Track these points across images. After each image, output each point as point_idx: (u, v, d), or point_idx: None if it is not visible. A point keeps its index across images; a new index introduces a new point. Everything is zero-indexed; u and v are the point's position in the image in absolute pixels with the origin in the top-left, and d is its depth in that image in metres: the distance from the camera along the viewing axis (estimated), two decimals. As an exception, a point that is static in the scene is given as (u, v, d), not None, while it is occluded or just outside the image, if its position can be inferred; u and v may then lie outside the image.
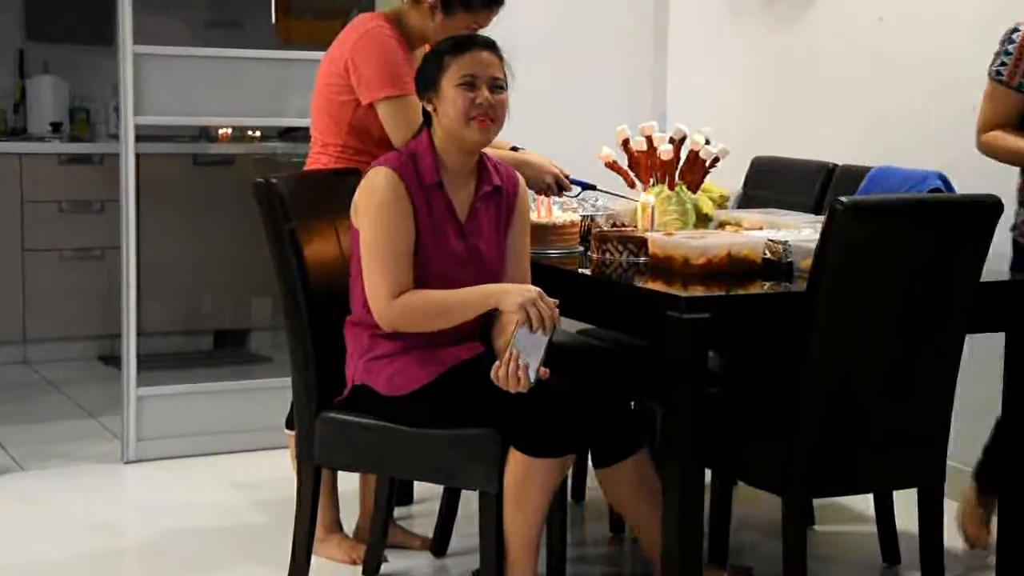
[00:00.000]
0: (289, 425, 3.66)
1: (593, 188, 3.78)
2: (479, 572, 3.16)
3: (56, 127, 6.42)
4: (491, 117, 3.10)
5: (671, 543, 2.99)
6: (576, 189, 3.74)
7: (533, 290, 2.94)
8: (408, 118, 3.41)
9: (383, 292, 3.05)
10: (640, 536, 3.27)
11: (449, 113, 3.10)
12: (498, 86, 3.12)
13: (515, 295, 2.94)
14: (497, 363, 2.90)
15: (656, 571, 3.23)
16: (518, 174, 3.31)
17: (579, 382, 3.08)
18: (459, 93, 3.08)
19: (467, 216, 3.17)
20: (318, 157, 3.63)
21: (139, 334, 4.66)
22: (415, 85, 3.22)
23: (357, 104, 3.52)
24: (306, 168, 3.68)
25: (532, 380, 2.86)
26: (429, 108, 3.16)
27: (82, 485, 4.44)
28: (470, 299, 3.04)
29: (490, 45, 3.16)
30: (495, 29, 3.37)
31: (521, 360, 2.86)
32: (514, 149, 3.66)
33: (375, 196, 3.09)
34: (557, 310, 2.93)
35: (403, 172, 3.10)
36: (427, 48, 3.57)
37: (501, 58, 3.15)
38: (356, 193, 3.15)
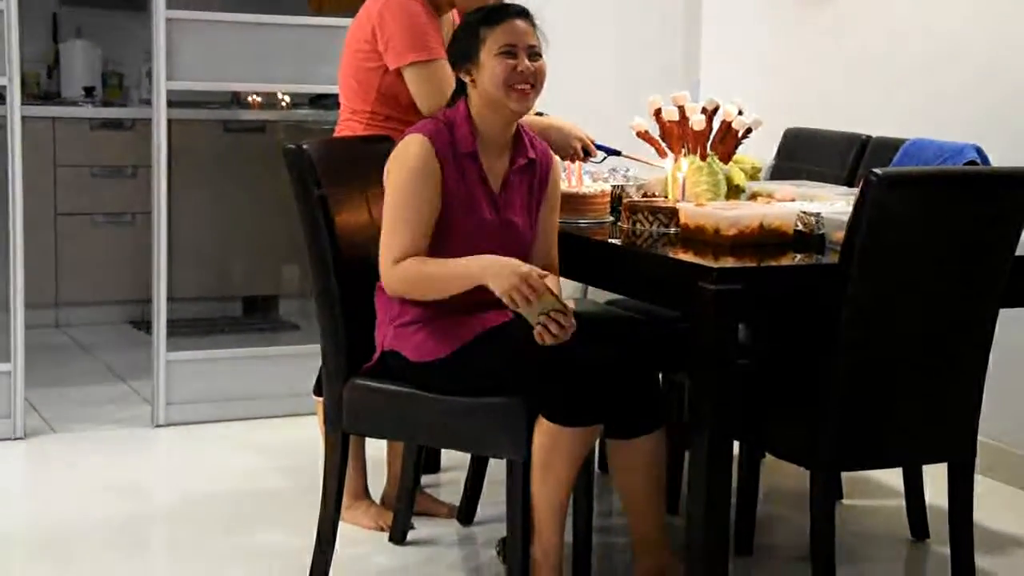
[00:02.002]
0: (317, 391, 3.66)
1: (618, 154, 3.77)
2: (506, 540, 3.16)
3: (89, 92, 6.43)
4: (532, 83, 3.12)
5: (697, 515, 2.98)
6: (601, 155, 3.73)
7: (517, 269, 2.93)
8: (435, 83, 3.40)
9: (389, 256, 3.07)
10: (633, 520, 3.22)
11: (490, 83, 3.10)
12: (536, 53, 3.14)
13: (500, 279, 2.93)
14: (536, 334, 2.94)
15: (633, 556, 3.23)
16: (552, 152, 3.32)
17: (607, 353, 3.07)
18: (500, 62, 3.09)
19: (500, 187, 3.17)
20: (347, 124, 3.63)
21: (170, 299, 4.69)
22: (449, 57, 3.22)
23: (385, 70, 3.51)
24: (335, 135, 3.68)
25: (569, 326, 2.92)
26: (467, 79, 3.16)
27: (112, 448, 4.48)
28: (454, 275, 3.03)
29: (523, 13, 3.17)
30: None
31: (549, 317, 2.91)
32: (539, 115, 3.65)
33: (405, 161, 3.10)
34: (547, 280, 2.95)
35: (437, 140, 3.11)
36: (454, 13, 3.57)
37: (534, 25, 3.16)
38: (389, 159, 3.15)
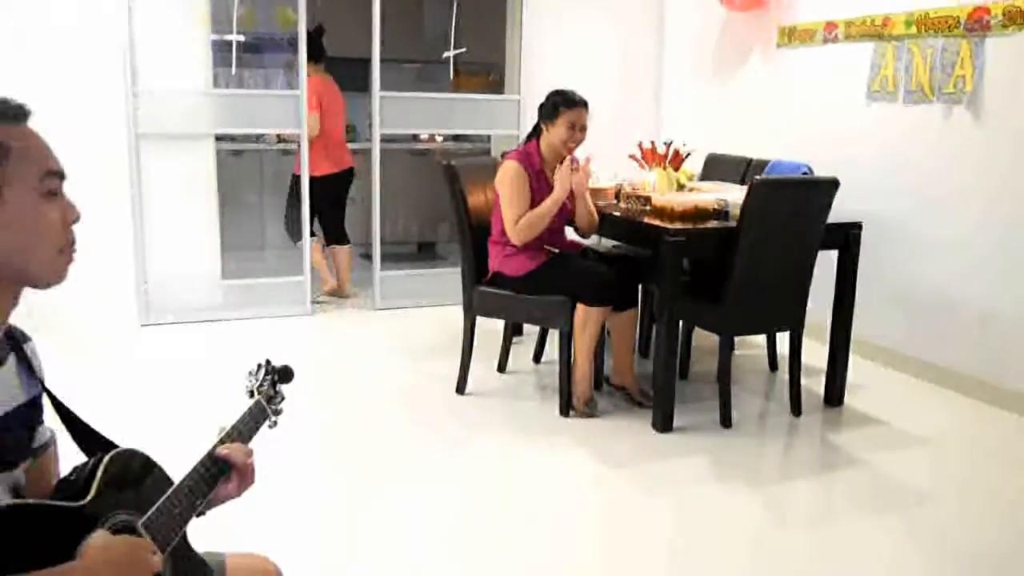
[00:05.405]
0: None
1: None
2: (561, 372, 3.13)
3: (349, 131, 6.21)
4: (576, 144, 3.05)
5: (659, 357, 2.97)
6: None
7: (566, 176, 2.91)
8: None
9: (513, 221, 3.00)
10: (616, 353, 3.15)
11: (555, 137, 3.03)
12: (583, 127, 3.05)
13: (563, 181, 2.90)
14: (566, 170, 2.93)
15: (613, 374, 3.16)
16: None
17: (611, 270, 3.05)
18: (565, 130, 3.01)
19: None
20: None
21: (382, 242, 4.65)
22: (539, 112, 3.05)
23: None
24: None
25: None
26: (544, 127, 3.05)
27: (354, 320, 4.39)
28: (545, 208, 2.96)
29: (585, 104, 3.04)
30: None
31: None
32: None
33: (510, 176, 3.03)
34: (578, 162, 2.94)
35: (523, 162, 3.05)
36: None
37: (587, 110, 3.07)
38: (498, 174, 3.08)
